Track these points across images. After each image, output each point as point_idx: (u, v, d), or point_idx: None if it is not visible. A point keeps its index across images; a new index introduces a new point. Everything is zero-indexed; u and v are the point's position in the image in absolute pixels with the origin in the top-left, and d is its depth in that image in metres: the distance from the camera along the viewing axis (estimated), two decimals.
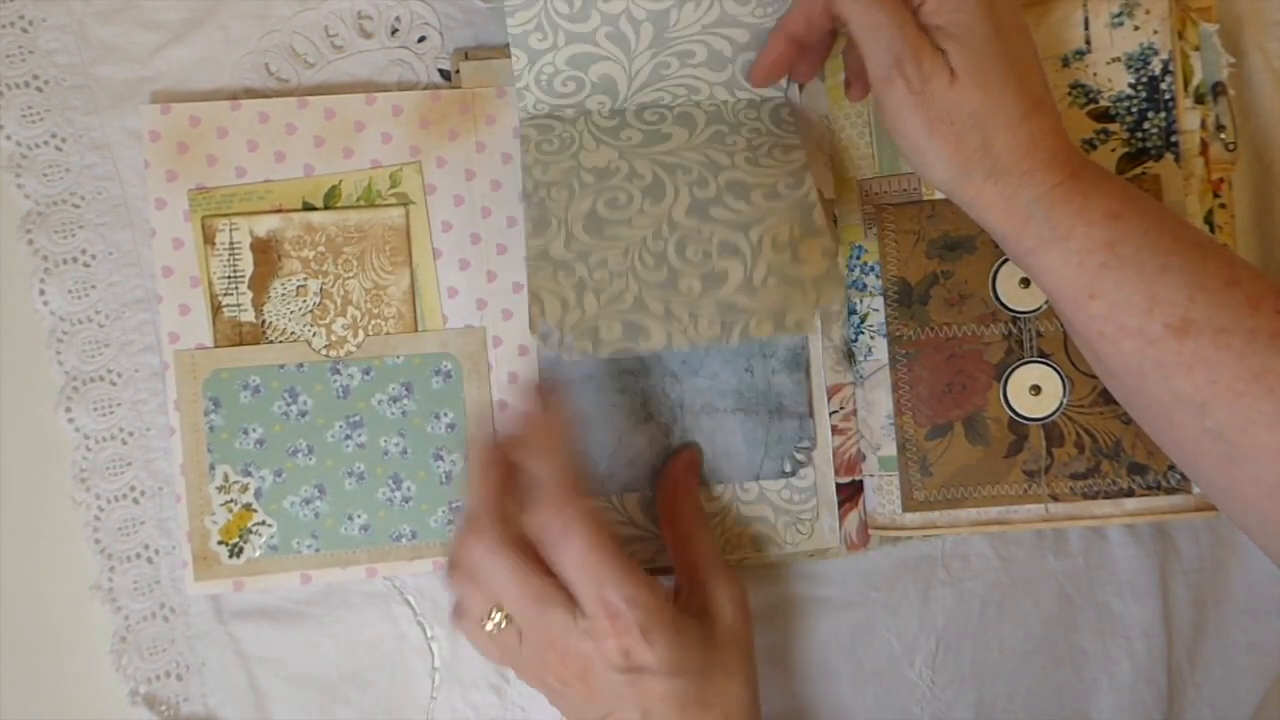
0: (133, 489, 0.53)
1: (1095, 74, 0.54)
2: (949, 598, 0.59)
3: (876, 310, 0.56)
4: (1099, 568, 0.59)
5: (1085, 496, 0.55)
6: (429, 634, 0.56)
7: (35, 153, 0.52)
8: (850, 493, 0.57)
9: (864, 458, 0.57)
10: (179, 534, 0.53)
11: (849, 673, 0.58)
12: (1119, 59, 0.54)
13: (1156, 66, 0.54)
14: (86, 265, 0.53)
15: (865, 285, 0.57)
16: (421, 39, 0.55)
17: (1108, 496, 0.55)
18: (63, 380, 0.53)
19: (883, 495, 0.57)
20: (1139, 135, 0.54)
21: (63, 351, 0.53)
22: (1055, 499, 0.55)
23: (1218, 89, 0.55)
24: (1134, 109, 0.54)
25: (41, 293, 0.52)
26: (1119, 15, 0.54)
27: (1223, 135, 0.55)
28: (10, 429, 0.53)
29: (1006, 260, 0.55)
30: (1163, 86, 0.54)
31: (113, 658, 0.53)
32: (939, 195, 0.56)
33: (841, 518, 0.57)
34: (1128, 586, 0.59)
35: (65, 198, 0.53)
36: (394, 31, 0.55)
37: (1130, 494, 0.55)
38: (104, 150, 0.53)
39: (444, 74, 0.55)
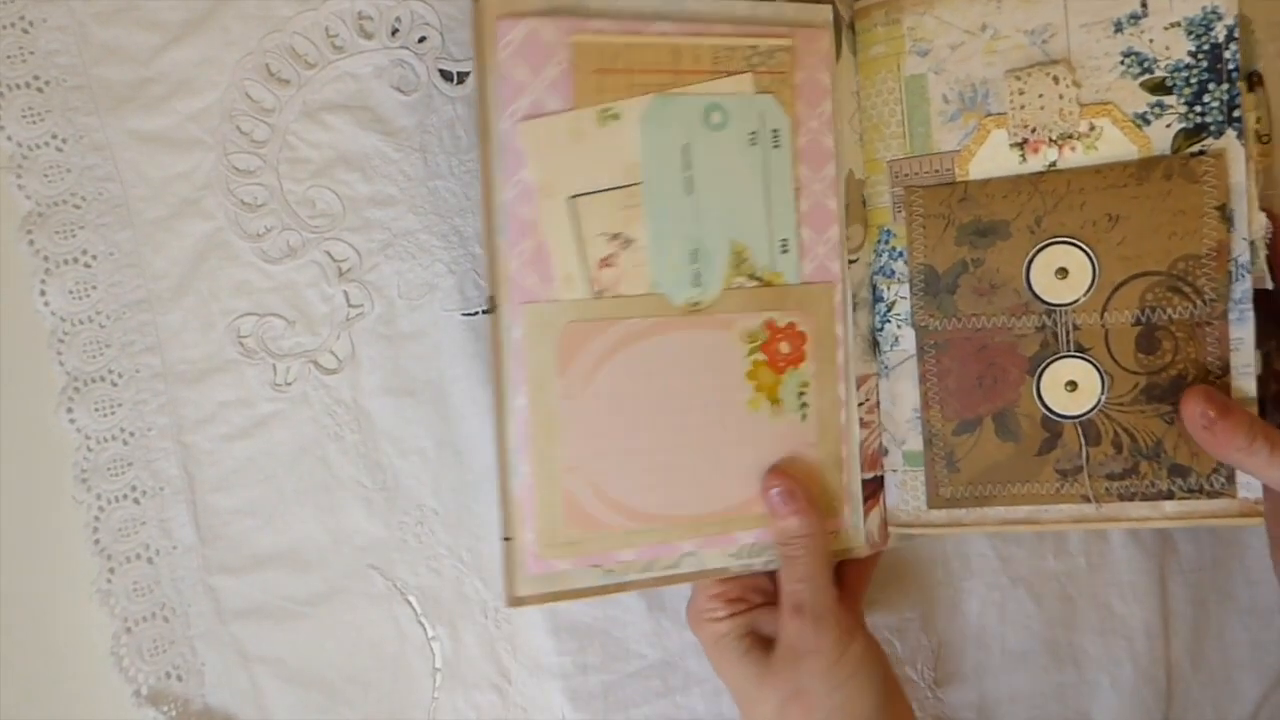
0: (133, 489, 0.48)
1: (1151, 40, 0.43)
2: (950, 598, 0.52)
3: (904, 298, 0.46)
4: (1099, 568, 0.53)
5: (1122, 498, 0.45)
6: (430, 634, 0.50)
7: (36, 153, 0.47)
8: (872, 489, 0.46)
9: (886, 452, 0.47)
10: None
11: None
12: (1178, 24, 0.43)
13: (1220, 33, 0.43)
14: (87, 266, 0.47)
15: (893, 271, 0.46)
16: (422, 39, 0.48)
17: (1146, 498, 0.45)
18: (64, 380, 0.47)
19: (906, 491, 0.46)
20: (1198, 109, 0.43)
21: (64, 352, 0.47)
22: (1089, 500, 0.45)
23: (1253, 78, 0.45)
24: (1194, 80, 0.43)
25: (42, 293, 0.47)
26: None
27: (1258, 126, 0.45)
28: (11, 429, 0.47)
29: (1043, 248, 0.44)
30: (1226, 55, 0.43)
31: (113, 659, 0.48)
32: (973, 176, 0.44)
33: (865, 514, 0.46)
34: (1129, 586, 0.53)
35: (66, 198, 0.47)
36: (394, 32, 0.48)
37: (1170, 496, 0.45)
38: (105, 151, 0.47)
39: (444, 74, 0.48)
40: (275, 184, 0.47)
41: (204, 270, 0.47)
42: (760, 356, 0.44)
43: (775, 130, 0.44)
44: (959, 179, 0.45)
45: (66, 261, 0.47)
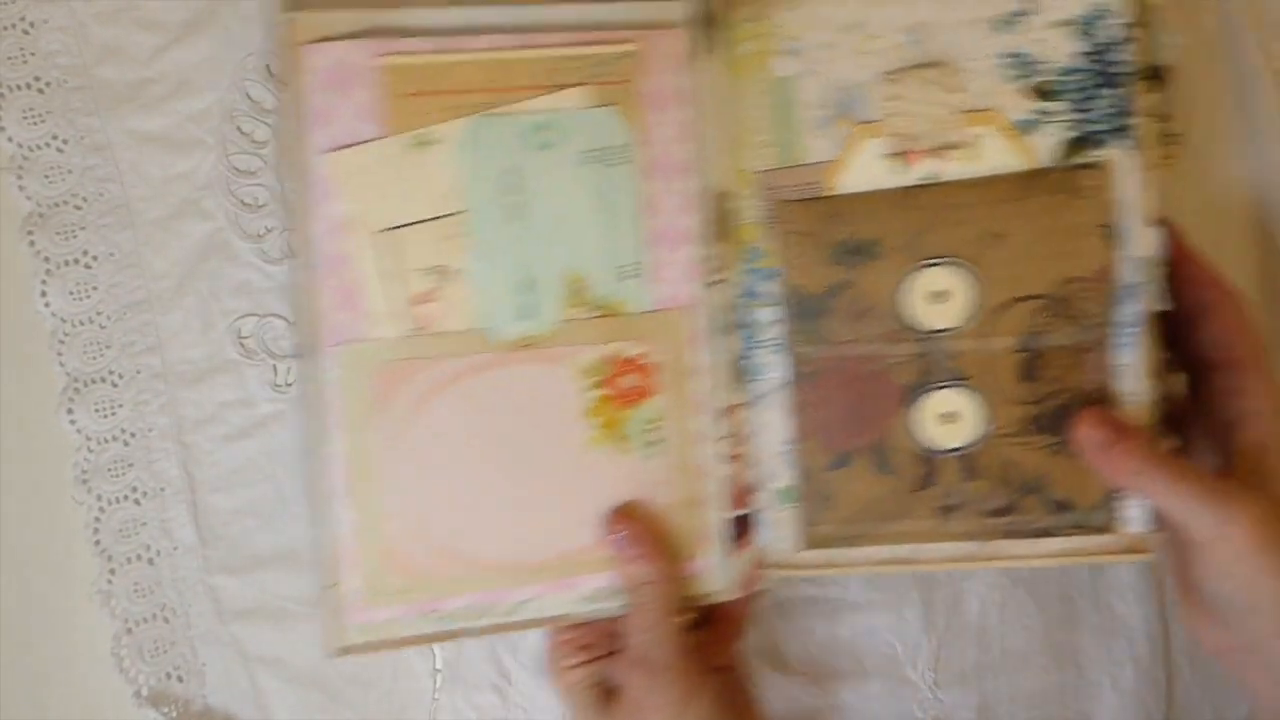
0: (134, 490, 0.47)
1: (1036, 40, 0.38)
2: (950, 598, 0.51)
3: (773, 322, 0.42)
4: (1100, 568, 0.51)
5: (1003, 535, 0.41)
6: None
7: (37, 154, 0.46)
8: (742, 528, 0.43)
9: (757, 488, 0.43)
10: None
11: (850, 674, 0.50)
12: (1065, 22, 0.38)
13: (1111, 31, 0.37)
14: (88, 267, 0.46)
15: (761, 293, 0.42)
16: None
17: (1027, 535, 0.42)
18: (64, 381, 0.47)
19: (779, 530, 0.43)
20: (1086, 116, 0.38)
21: (64, 353, 0.47)
22: (970, 537, 0.41)
23: (1157, 74, 0.39)
24: (1082, 84, 0.38)
25: (43, 294, 0.46)
26: None
27: (1166, 126, 0.39)
28: (12, 430, 0.47)
29: (920, 269, 0.40)
30: (1117, 57, 0.38)
31: (114, 660, 0.47)
32: (844, 190, 0.40)
33: (734, 555, 0.43)
34: (1129, 587, 0.51)
35: (67, 199, 0.46)
36: None
37: (1052, 533, 0.41)
38: (105, 151, 0.46)
39: None
40: (276, 184, 0.46)
41: (204, 270, 0.47)
42: (603, 392, 0.41)
43: (616, 145, 0.40)
44: (831, 192, 0.41)
45: (67, 262, 0.46)
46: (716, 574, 0.43)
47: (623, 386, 0.41)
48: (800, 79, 0.41)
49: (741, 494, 0.44)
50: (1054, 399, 0.40)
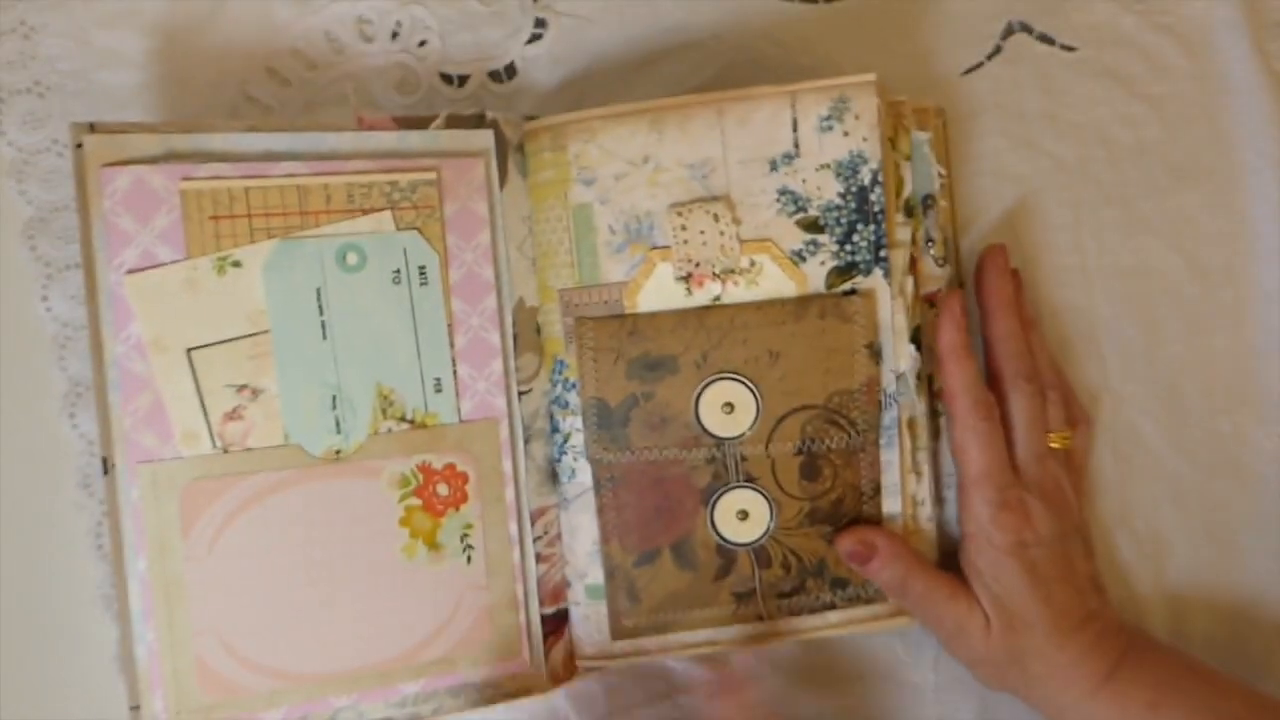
0: None
1: (804, 180, 0.42)
2: None
3: (579, 430, 0.44)
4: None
5: (791, 613, 0.45)
6: None
7: (37, 159, 0.46)
8: (554, 624, 0.45)
9: (569, 585, 0.45)
10: None
11: (852, 676, 0.50)
12: (828, 166, 0.42)
13: (866, 176, 0.42)
14: None
15: (568, 403, 0.44)
16: (422, 43, 0.49)
17: (813, 611, 0.45)
18: (66, 386, 0.46)
19: (590, 625, 0.45)
20: (848, 248, 0.42)
21: (66, 357, 0.46)
22: (763, 618, 0.44)
23: (928, 201, 0.44)
24: (843, 220, 0.42)
25: (44, 298, 0.46)
26: (828, 119, 0.42)
27: (932, 251, 0.44)
28: (13, 434, 0.46)
29: (710, 383, 0.42)
30: (872, 198, 0.42)
31: (117, 664, 0.46)
32: (641, 309, 0.43)
33: (547, 650, 0.44)
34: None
35: (67, 204, 0.46)
36: (394, 35, 0.49)
37: (833, 607, 0.45)
38: None
39: (445, 78, 0.49)
40: None
41: None
42: (414, 501, 0.42)
43: (421, 267, 0.42)
44: (628, 310, 0.43)
45: (68, 267, 0.46)
46: (533, 670, 0.44)
47: (434, 496, 0.42)
48: (596, 206, 0.43)
49: (555, 591, 0.45)
50: (831, 494, 0.44)
